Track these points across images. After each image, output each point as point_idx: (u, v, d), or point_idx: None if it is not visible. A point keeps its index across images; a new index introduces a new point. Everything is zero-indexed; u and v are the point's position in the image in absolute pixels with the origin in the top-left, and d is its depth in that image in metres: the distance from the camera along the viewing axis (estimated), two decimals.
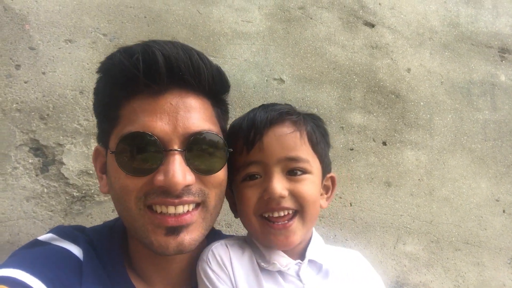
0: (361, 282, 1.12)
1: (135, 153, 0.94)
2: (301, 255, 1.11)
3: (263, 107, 1.15)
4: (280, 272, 1.06)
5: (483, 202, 2.10)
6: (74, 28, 1.68)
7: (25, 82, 1.59)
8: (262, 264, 1.06)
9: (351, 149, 1.96)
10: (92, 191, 1.61)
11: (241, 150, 1.08)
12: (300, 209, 1.06)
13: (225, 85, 1.10)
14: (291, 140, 1.07)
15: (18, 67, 1.59)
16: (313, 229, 1.19)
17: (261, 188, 1.05)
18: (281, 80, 1.92)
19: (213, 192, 1.02)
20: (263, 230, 1.06)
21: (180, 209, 0.96)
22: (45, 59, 1.63)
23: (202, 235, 1.02)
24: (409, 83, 2.11)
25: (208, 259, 1.06)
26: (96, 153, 1.11)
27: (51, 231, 1.09)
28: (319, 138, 1.14)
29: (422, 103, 2.11)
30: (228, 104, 1.18)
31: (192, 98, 1.00)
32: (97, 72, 1.02)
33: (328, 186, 1.22)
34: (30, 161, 1.56)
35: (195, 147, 0.97)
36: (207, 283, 1.03)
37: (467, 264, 2.01)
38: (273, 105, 1.17)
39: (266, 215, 1.06)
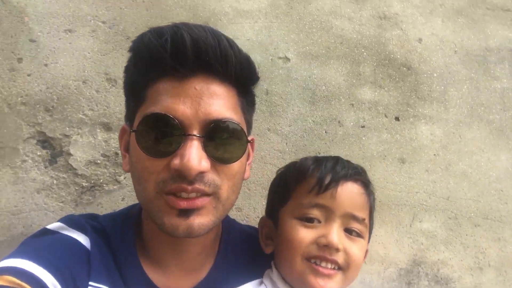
0: None
1: (155, 134, 0.96)
2: None
3: (339, 159, 1.18)
4: None
5: (503, 175, 2.01)
6: (73, 18, 1.66)
7: (28, 75, 1.59)
8: None
9: (363, 127, 1.90)
10: (101, 180, 1.62)
11: (309, 189, 1.09)
12: (345, 268, 1.06)
13: (253, 76, 1.09)
14: (361, 201, 1.10)
15: (20, 60, 1.59)
16: None
17: (318, 234, 1.06)
18: (287, 59, 1.87)
19: (226, 185, 1.01)
20: (304, 270, 1.05)
21: (193, 194, 0.96)
22: (46, 51, 1.62)
23: (212, 222, 1.00)
24: (421, 54, 2.02)
25: None
26: (122, 131, 1.13)
27: (60, 220, 1.10)
28: (373, 211, 1.18)
29: (435, 75, 2.02)
30: (255, 96, 1.16)
31: (217, 85, 0.99)
32: (128, 51, 1.04)
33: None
34: (38, 153, 1.57)
35: (215, 135, 0.96)
36: None
37: (487, 240, 1.95)
38: (347, 161, 1.20)
39: (313, 261, 1.05)
